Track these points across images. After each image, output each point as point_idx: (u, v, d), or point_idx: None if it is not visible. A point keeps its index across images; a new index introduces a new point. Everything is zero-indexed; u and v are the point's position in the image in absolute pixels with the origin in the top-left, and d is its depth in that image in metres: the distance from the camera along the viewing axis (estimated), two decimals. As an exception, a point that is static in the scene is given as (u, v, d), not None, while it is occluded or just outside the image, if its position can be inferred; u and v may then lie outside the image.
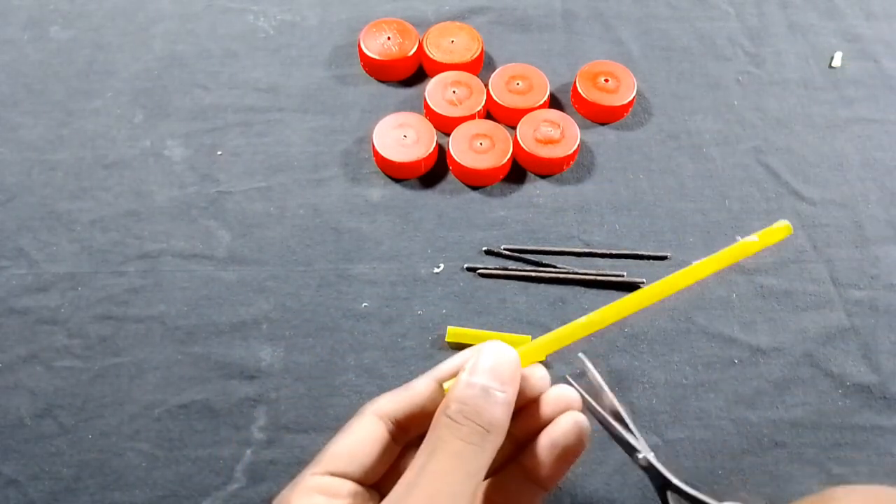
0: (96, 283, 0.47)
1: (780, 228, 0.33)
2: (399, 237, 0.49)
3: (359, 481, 0.30)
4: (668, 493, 0.31)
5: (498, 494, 0.32)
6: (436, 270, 0.48)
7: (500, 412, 0.29)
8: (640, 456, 0.32)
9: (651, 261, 0.49)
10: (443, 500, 0.27)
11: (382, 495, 0.29)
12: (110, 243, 0.49)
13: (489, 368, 0.30)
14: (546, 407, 0.32)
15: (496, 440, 0.29)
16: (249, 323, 0.46)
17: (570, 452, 0.31)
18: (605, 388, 0.33)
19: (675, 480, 0.31)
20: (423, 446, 0.29)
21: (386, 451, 0.31)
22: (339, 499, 0.29)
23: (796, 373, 0.45)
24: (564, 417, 0.31)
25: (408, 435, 0.32)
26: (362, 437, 0.30)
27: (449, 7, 0.60)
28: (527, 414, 0.32)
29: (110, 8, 0.59)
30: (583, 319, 0.32)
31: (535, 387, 0.32)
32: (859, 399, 0.44)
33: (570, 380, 0.33)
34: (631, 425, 0.32)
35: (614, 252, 0.48)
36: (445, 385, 0.31)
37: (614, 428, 0.32)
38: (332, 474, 0.30)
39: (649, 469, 0.32)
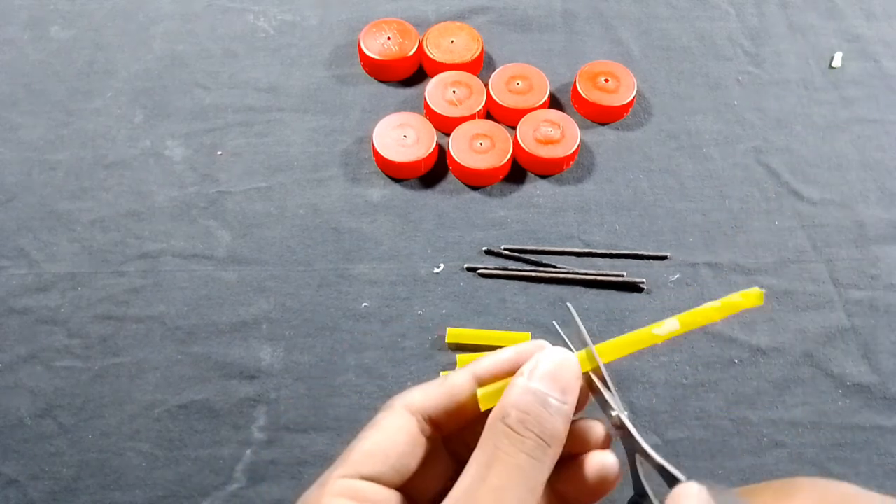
0: (96, 283, 0.47)
1: (751, 295, 0.30)
2: (399, 237, 0.49)
3: (388, 482, 0.27)
4: (637, 458, 0.29)
5: None
6: (436, 270, 0.48)
7: (562, 424, 0.27)
8: (614, 414, 0.29)
9: (651, 261, 0.49)
10: None
11: (410, 497, 0.27)
12: (110, 243, 0.49)
13: (549, 374, 0.27)
14: (589, 470, 0.29)
15: (556, 455, 0.27)
16: (249, 323, 0.46)
17: None
18: (590, 342, 0.30)
19: (644, 445, 0.28)
20: (477, 455, 0.26)
21: (417, 449, 0.28)
22: (360, 502, 0.26)
23: (796, 373, 0.45)
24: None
25: (440, 431, 0.29)
26: (393, 434, 0.28)
27: (449, 7, 0.60)
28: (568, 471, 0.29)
29: (110, 8, 0.59)
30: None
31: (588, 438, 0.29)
32: (859, 399, 0.44)
33: (556, 325, 0.32)
34: (609, 383, 0.29)
35: (614, 252, 0.48)
36: (481, 391, 0.28)
37: (593, 382, 0.30)
38: (363, 477, 0.27)
39: (621, 428, 0.29)
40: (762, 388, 0.44)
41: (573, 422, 0.28)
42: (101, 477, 0.41)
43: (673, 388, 0.44)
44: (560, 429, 0.27)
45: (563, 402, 0.27)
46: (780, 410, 0.44)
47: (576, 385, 0.27)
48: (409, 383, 0.44)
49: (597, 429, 0.29)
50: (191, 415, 0.43)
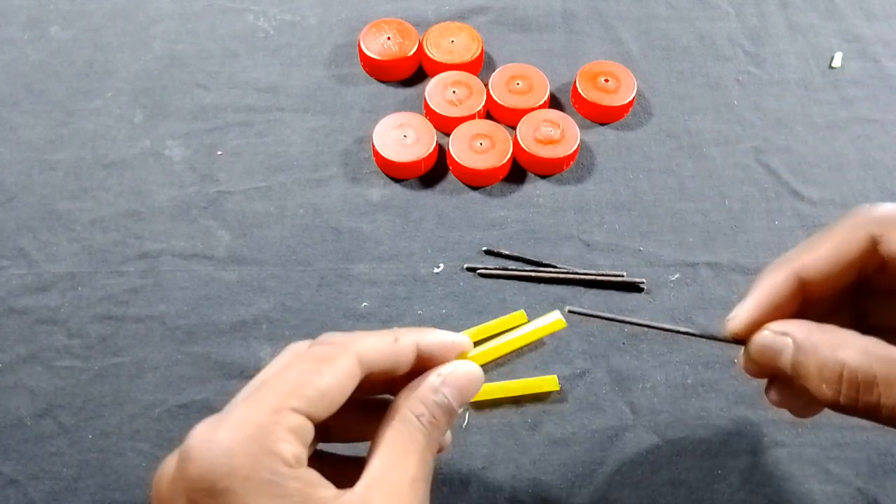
0: (96, 282, 0.47)
1: (554, 322, 0.34)
2: (399, 237, 0.49)
3: (318, 422, 0.28)
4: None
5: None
6: (436, 270, 0.48)
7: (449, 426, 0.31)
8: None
9: (650, 261, 0.49)
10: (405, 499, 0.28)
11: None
12: (110, 243, 0.49)
13: (459, 386, 0.30)
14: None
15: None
16: (249, 323, 0.46)
17: None
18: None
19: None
20: (393, 439, 0.29)
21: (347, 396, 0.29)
22: (304, 447, 0.27)
23: (796, 373, 0.45)
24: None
25: (366, 384, 0.30)
26: (346, 380, 0.28)
27: (449, 7, 0.60)
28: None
29: (110, 8, 0.59)
30: None
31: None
32: (859, 399, 0.44)
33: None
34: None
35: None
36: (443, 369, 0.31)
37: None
38: (309, 416, 0.27)
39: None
40: (762, 388, 0.44)
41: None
42: (101, 477, 0.41)
43: (673, 388, 0.44)
44: (448, 430, 0.31)
45: (458, 410, 0.30)
46: (780, 410, 0.44)
47: (472, 396, 0.31)
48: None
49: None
50: (191, 415, 0.43)
